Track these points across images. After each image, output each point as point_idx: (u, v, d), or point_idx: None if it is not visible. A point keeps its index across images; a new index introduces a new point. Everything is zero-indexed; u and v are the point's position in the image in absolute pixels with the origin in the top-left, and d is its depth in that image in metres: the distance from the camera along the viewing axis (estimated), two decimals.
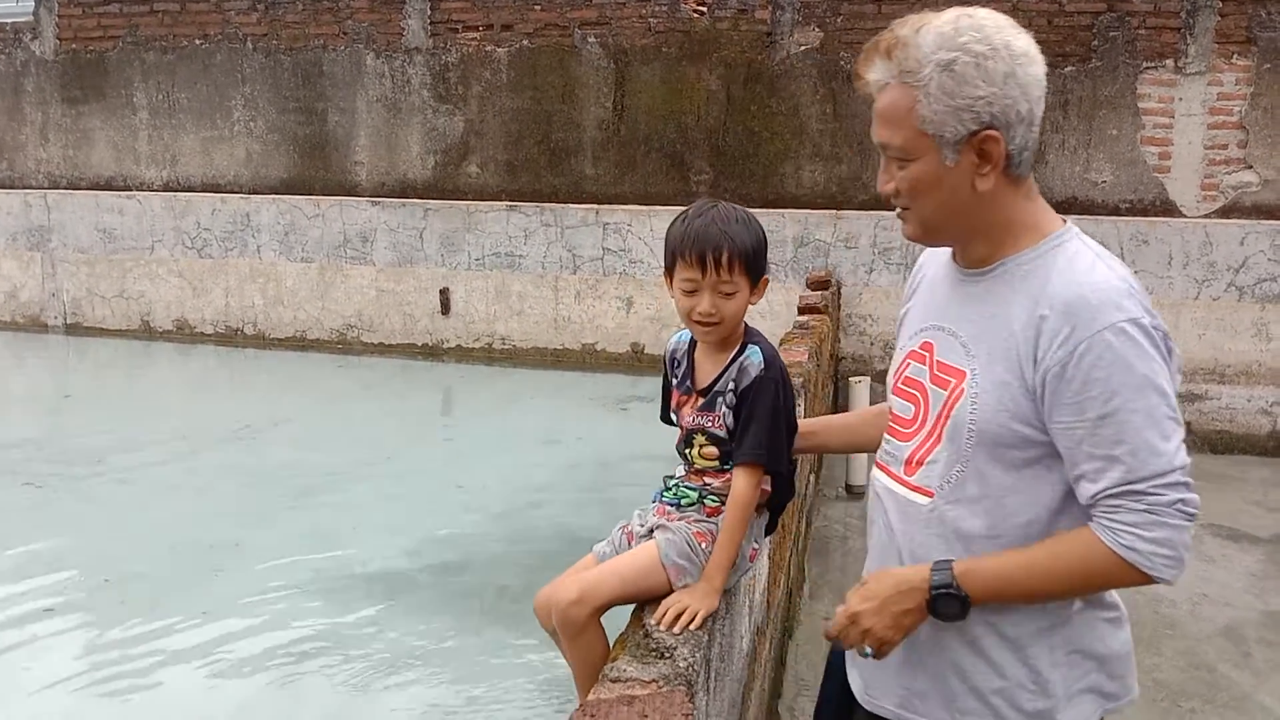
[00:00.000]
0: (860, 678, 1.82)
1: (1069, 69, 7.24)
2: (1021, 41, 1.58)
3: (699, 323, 1.95)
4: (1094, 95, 7.21)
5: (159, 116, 9.33)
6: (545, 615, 2.06)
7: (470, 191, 8.59)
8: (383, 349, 8.86)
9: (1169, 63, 7.08)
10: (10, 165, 9.86)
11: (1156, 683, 3.91)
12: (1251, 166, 7.04)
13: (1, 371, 8.91)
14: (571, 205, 8.27)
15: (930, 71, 1.54)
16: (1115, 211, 7.24)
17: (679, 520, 2.04)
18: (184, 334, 9.40)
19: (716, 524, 2.01)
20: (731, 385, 1.97)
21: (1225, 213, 7.09)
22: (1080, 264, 1.57)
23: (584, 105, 8.24)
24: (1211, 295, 7.01)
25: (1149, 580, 1.51)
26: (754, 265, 1.95)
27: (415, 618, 4.28)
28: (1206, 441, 7.06)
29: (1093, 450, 1.51)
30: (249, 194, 9.11)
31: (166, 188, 9.40)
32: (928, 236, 1.69)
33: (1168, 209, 7.18)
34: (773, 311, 7.81)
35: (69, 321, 9.74)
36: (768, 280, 2.01)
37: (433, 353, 8.74)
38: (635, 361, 8.13)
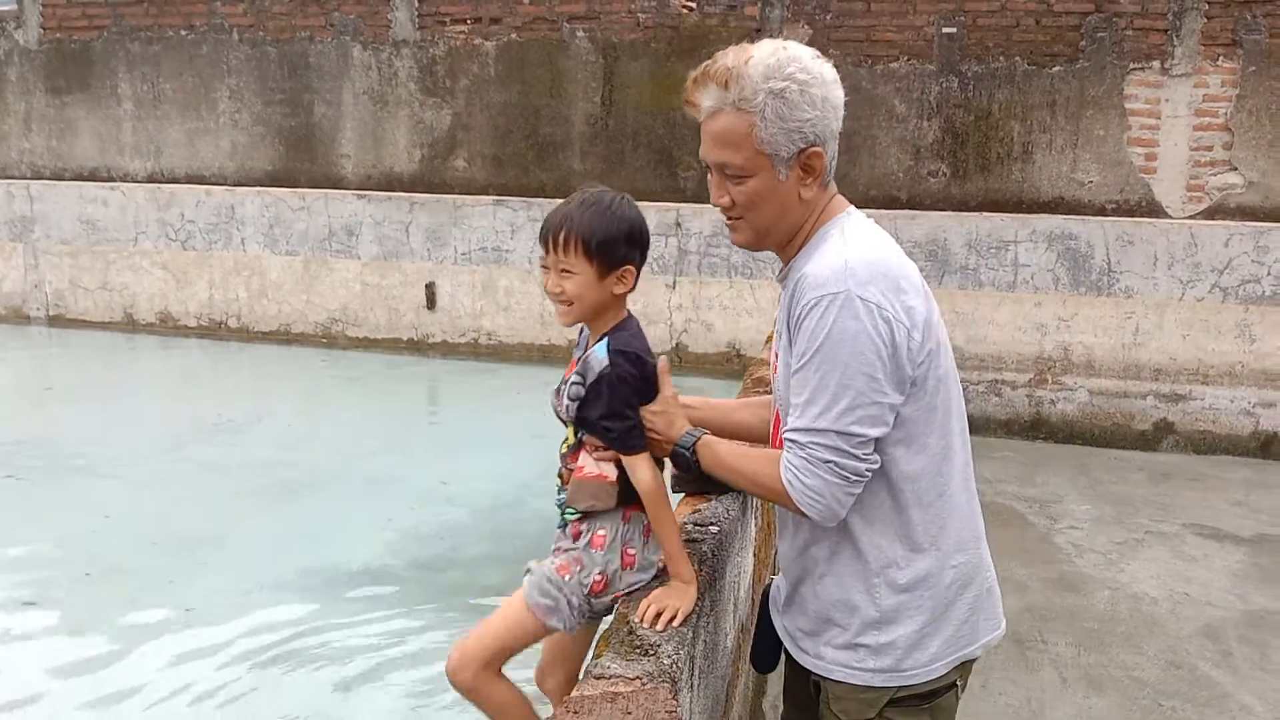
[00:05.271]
0: (784, 630, 2.06)
1: (1056, 69, 7.26)
2: (830, 70, 1.82)
3: (552, 299, 2.04)
4: (1081, 95, 7.24)
5: (143, 107, 9.27)
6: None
7: (457, 185, 8.55)
8: (368, 343, 8.82)
9: (1156, 64, 7.11)
10: None
11: (1137, 681, 3.93)
12: (1236, 168, 7.08)
13: None
14: (559, 200, 8.20)
15: (764, 99, 1.75)
16: (1101, 212, 7.27)
17: (549, 556, 2.08)
18: (167, 327, 9.34)
19: (579, 547, 2.04)
20: (577, 379, 2.01)
21: (1210, 214, 7.13)
22: (824, 246, 1.80)
23: (572, 100, 8.22)
24: (1196, 296, 7.05)
25: (802, 513, 1.79)
26: (597, 249, 1.97)
27: (399, 613, 4.26)
28: (1190, 442, 7.11)
29: (791, 392, 1.79)
30: (234, 186, 9.05)
31: (150, 179, 9.34)
32: (758, 242, 1.90)
33: (1153, 210, 7.21)
34: (760, 308, 7.82)
35: (51, 313, 9.67)
36: (634, 270, 2.02)
37: (418, 348, 8.71)
38: None
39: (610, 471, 2.01)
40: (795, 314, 1.77)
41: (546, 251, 2.01)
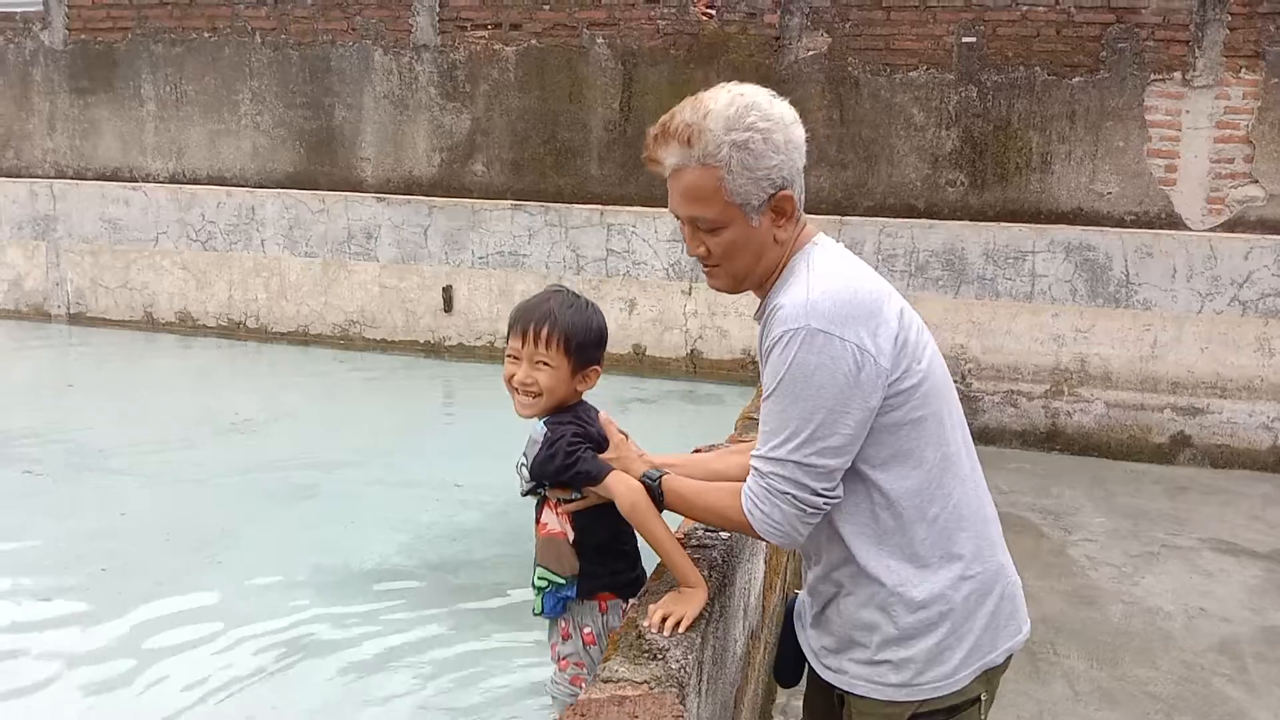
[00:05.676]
0: (809, 646, 2.07)
1: (1076, 80, 7.23)
2: (788, 110, 1.83)
3: (517, 390, 2.11)
4: (1101, 106, 7.21)
5: (166, 108, 9.35)
6: None
7: (475, 190, 8.59)
8: (384, 345, 8.86)
9: (1177, 75, 7.07)
10: (17, 154, 9.88)
11: (1150, 695, 3.91)
12: (1257, 181, 7.03)
13: (4, 359, 8.91)
14: (576, 205, 8.27)
15: (728, 152, 1.76)
16: (1120, 223, 7.24)
17: (554, 667, 2.22)
18: (186, 326, 9.41)
19: (578, 651, 2.16)
20: (523, 459, 2.14)
21: (1230, 227, 7.08)
22: (791, 282, 1.83)
23: (591, 106, 8.25)
24: (1215, 309, 7.00)
25: (761, 538, 1.87)
26: (576, 348, 2.09)
27: (411, 614, 4.28)
28: (1207, 456, 7.06)
29: (760, 421, 1.84)
30: (254, 188, 9.12)
31: (172, 180, 9.42)
32: (736, 286, 1.94)
33: (1173, 222, 7.18)
34: None
35: (72, 311, 9.76)
36: (599, 371, 2.17)
37: (434, 350, 8.75)
38: (637, 363, 8.13)
39: (569, 530, 2.12)
40: (764, 348, 1.82)
41: (522, 343, 2.09)
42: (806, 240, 1.90)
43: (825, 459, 1.76)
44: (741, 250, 1.85)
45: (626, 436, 2.18)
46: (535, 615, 2.22)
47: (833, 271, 1.82)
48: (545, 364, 2.08)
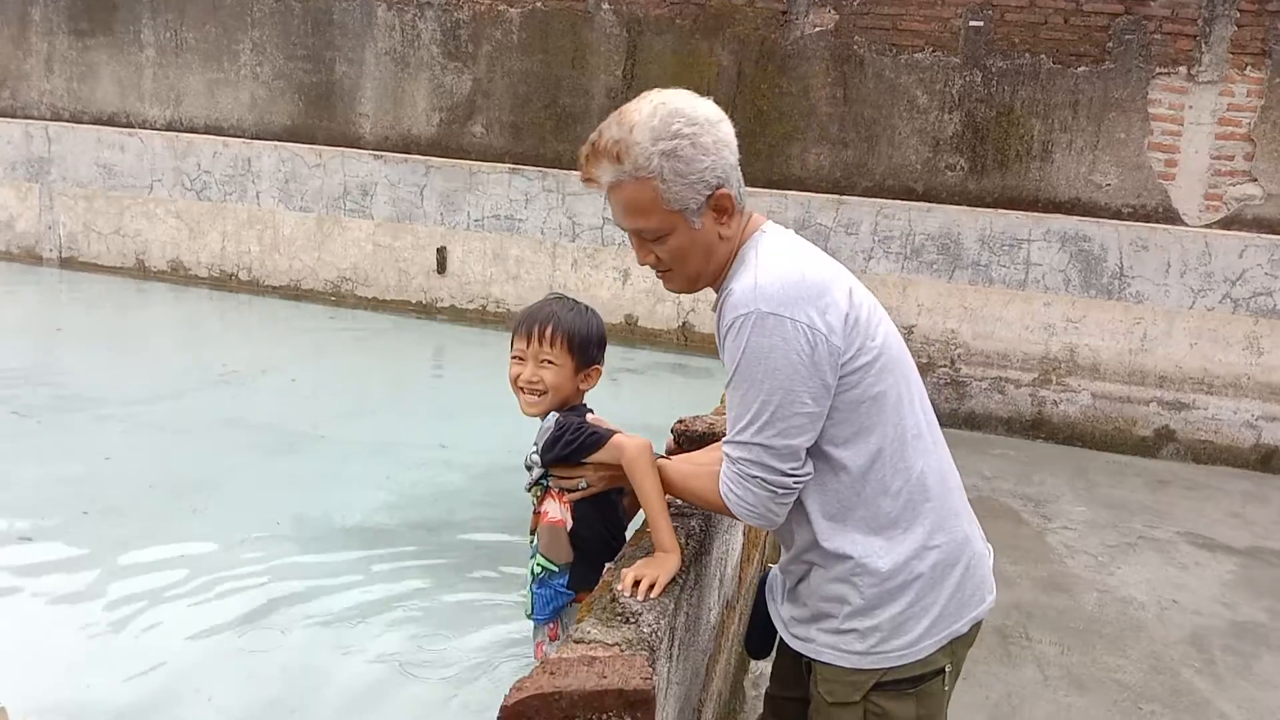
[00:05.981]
0: (779, 618, 2.12)
1: (1082, 69, 7.21)
2: (713, 109, 1.87)
3: (523, 389, 2.20)
4: (1105, 97, 7.19)
5: (166, 55, 9.26)
6: None
7: (474, 151, 8.54)
8: (376, 304, 8.85)
9: (1182, 70, 7.05)
10: (13, 94, 9.79)
11: (1119, 683, 3.95)
12: (1256, 179, 7.03)
13: None
14: (574, 172, 8.18)
15: (659, 162, 1.79)
16: (1117, 215, 7.24)
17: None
18: (178, 275, 9.37)
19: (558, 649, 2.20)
20: (534, 447, 2.22)
21: (1226, 224, 7.09)
22: (741, 270, 1.86)
23: (594, 72, 8.19)
24: (1206, 305, 7.02)
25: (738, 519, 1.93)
26: (578, 346, 2.20)
27: (390, 571, 4.29)
28: (1190, 451, 7.10)
29: (726, 408, 1.89)
30: (251, 139, 9.06)
31: (169, 127, 9.34)
32: (692, 286, 1.96)
33: (1170, 216, 7.18)
34: None
35: (64, 255, 9.70)
36: (600, 370, 2.27)
37: (426, 311, 8.73)
38: (629, 333, 8.13)
39: (568, 519, 2.20)
40: (720, 337, 1.86)
41: (527, 344, 2.19)
42: (754, 230, 1.94)
43: (789, 439, 1.80)
44: (689, 253, 1.89)
45: None
46: (526, 617, 2.28)
47: (779, 257, 1.86)
48: (550, 362, 2.17)
